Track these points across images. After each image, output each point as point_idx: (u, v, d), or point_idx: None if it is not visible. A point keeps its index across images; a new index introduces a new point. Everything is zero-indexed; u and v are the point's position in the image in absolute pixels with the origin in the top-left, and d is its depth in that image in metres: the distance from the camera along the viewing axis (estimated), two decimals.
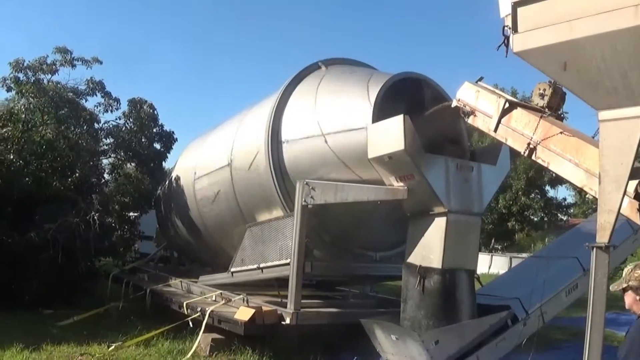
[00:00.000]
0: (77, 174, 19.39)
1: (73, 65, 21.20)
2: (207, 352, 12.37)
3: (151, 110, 23.21)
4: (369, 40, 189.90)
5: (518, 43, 6.96)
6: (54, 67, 20.69)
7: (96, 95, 21.85)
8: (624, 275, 5.63)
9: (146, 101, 23.26)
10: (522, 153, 9.19)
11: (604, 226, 6.89)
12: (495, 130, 9.65)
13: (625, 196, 7.05)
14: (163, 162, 24.32)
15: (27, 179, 17.69)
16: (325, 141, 11.86)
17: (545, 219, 55.58)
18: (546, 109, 9.06)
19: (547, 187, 55.01)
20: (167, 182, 20.58)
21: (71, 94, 21.06)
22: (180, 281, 16.87)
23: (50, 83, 20.53)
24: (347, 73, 13.12)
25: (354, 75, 12.83)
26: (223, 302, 13.68)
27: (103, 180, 21.89)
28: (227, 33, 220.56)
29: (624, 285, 5.59)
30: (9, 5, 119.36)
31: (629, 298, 5.62)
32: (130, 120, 22.67)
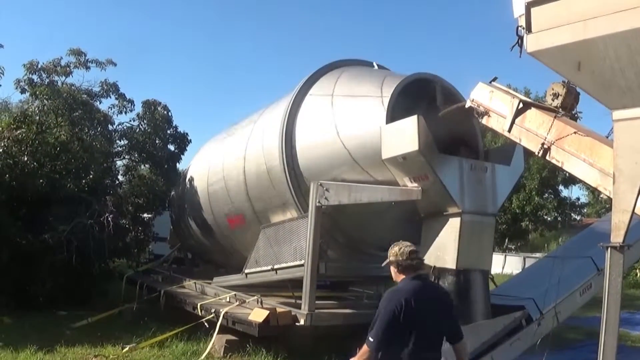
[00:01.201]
0: (91, 176, 19.51)
1: (87, 67, 21.43)
2: (222, 354, 12.41)
3: (165, 112, 23.35)
4: (389, 34, 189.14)
5: (532, 43, 6.98)
6: (68, 69, 20.89)
7: (110, 97, 22.12)
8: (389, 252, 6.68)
9: (160, 103, 23.45)
10: (536, 153, 9.19)
11: (618, 226, 6.90)
12: (509, 130, 9.66)
13: None
14: (177, 164, 24.49)
15: (41, 180, 17.80)
16: (340, 142, 11.88)
17: (559, 218, 55.27)
18: (560, 109, 9.06)
19: (561, 187, 54.73)
20: (181, 184, 20.62)
21: (85, 95, 21.27)
22: (195, 282, 16.91)
23: (64, 85, 20.74)
24: (361, 74, 13.13)
25: (367, 76, 12.84)
26: (237, 303, 13.71)
27: (117, 182, 22.08)
28: (243, 29, 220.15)
29: (387, 261, 6.66)
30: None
31: (392, 272, 6.66)
32: (145, 121, 22.86)
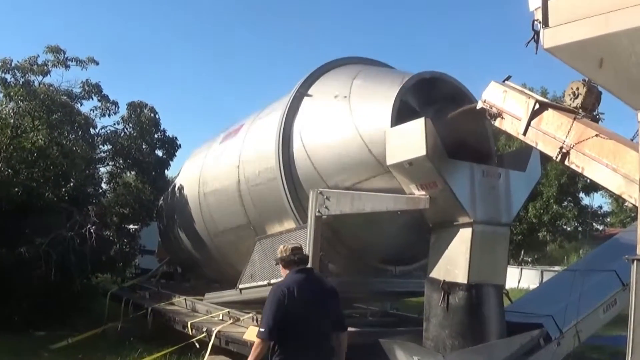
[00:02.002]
0: (71, 184, 19.49)
1: (67, 66, 21.35)
2: None
3: (152, 115, 23.20)
4: (385, 37, 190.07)
5: (549, 38, 6.98)
6: (45, 67, 20.78)
7: (92, 98, 21.99)
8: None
9: (147, 104, 23.29)
10: (554, 158, 9.19)
11: None
12: (525, 133, 9.65)
13: None
14: (166, 170, 24.51)
15: (16, 189, 17.79)
16: (344, 145, 11.88)
17: (580, 228, 55.25)
18: (580, 110, 9.05)
19: (581, 195, 54.77)
20: (170, 192, 20.61)
21: (65, 97, 21.13)
22: (185, 299, 16.91)
23: (41, 85, 20.63)
24: (365, 73, 13.12)
25: (372, 75, 12.83)
26: (231, 321, 13.72)
27: (100, 190, 22.05)
28: (239, 32, 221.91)
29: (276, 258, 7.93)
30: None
31: (281, 270, 7.91)
32: (130, 125, 22.69)
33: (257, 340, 7.30)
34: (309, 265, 11.21)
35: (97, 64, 21.87)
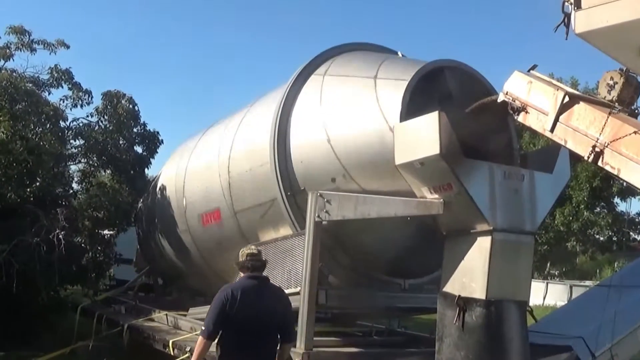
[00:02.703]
0: (37, 183, 19.40)
1: (32, 50, 21.31)
2: None
3: (131, 106, 23.01)
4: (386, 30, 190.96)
5: (581, 22, 6.99)
6: (7, 51, 20.75)
7: (62, 86, 21.90)
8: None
9: (124, 94, 23.01)
10: (586, 158, 9.18)
11: None
12: (552, 129, 9.66)
13: None
14: (146, 169, 24.43)
15: None
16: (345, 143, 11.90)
17: (614, 238, 55.31)
18: (616, 104, 9.05)
19: (616, 200, 54.80)
20: (150, 194, 20.62)
21: (30, 84, 21.08)
22: (166, 314, 16.90)
23: (3, 71, 20.58)
24: (372, 60, 13.12)
25: (379, 62, 12.83)
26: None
27: (71, 191, 21.95)
28: (225, 26, 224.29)
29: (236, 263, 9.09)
30: None
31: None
32: (105, 117, 22.50)
33: (199, 339, 8.75)
34: (306, 281, 11.41)
35: (68, 47, 21.85)
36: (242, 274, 9.00)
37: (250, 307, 8.58)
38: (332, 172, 12.05)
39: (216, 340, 8.76)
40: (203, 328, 8.66)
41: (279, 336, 9.07)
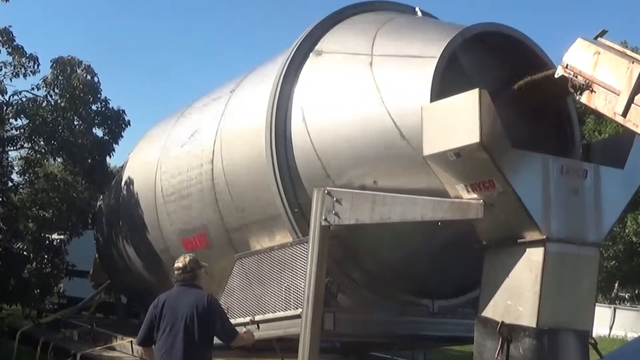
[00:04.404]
0: None
1: None
2: None
3: (89, 77, 22.71)
4: None
5: None
6: None
7: None
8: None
9: (81, 62, 22.65)
10: None
11: None
12: (625, 113, 9.57)
13: None
14: (108, 157, 24.27)
15: None
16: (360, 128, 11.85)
17: None
18: None
19: None
20: (113, 189, 20.67)
21: None
22: (131, 342, 16.85)
23: None
24: (395, 22, 13.09)
25: (404, 26, 12.80)
26: None
27: (10, 184, 21.85)
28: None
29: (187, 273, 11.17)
30: None
31: None
32: (56, 91, 22.27)
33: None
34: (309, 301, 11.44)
35: (7, 0, 21.76)
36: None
37: (169, 313, 10.79)
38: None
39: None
40: (138, 335, 11.20)
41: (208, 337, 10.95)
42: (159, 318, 10.81)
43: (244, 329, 11.86)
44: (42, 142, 22.42)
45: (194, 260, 11.33)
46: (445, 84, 10.95)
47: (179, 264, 11.24)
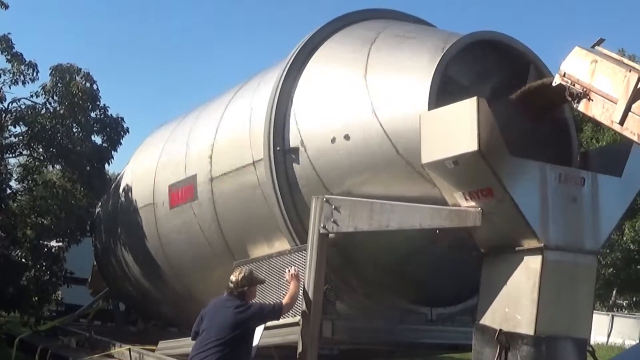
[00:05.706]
0: None
1: None
2: None
3: (88, 84, 22.68)
4: None
5: None
6: None
7: None
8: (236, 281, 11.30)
9: (80, 69, 22.60)
10: None
11: None
12: (622, 122, 9.59)
13: None
14: (106, 165, 24.32)
15: None
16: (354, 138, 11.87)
17: None
18: None
19: None
20: (112, 196, 20.63)
21: None
22: (129, 349, 16.83)
23: None
24: (391, 31, 13.11)
25: (403, 35, 12.82)
26: None
27: (9, 191, 21.82)
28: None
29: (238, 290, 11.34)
30: None
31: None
32: (55, 98, 22.28)
33: None
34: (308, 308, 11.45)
35: (6, 7, 21.74)
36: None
37: (211, 318, 11.27)
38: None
39: None
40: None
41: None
42: (201, 320, 11.38)
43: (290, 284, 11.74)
44: (40, 149, 22.38)
45: (247, 278, 11.32)
46: (441, 93, 11.00)
47: (232, 277, 11.38)
